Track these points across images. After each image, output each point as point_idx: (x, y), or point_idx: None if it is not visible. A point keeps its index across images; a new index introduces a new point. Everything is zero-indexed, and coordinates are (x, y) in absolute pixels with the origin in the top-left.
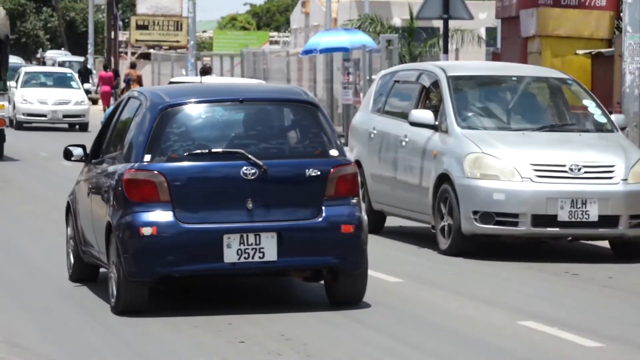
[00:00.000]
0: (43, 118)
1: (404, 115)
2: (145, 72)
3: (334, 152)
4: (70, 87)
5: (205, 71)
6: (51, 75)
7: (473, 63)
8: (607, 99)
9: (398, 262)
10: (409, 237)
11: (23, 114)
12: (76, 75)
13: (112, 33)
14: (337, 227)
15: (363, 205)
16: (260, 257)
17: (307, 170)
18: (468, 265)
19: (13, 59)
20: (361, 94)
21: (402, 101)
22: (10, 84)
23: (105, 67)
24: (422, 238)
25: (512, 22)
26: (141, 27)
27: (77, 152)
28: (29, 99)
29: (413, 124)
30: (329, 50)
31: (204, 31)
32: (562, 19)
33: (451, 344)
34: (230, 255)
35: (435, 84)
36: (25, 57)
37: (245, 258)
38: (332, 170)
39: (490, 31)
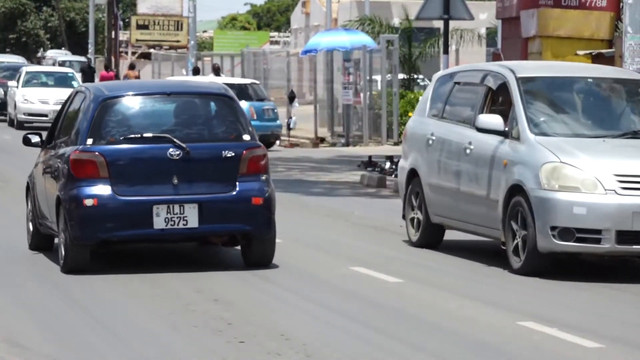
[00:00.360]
0: (44, 118)
1: (467, 121)
2: (146, 72)
3: (246, 137)
4: (72, 86)
5: (216, 71)
6: (52, 75)
7: (542, 63)
8: None
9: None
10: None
11: (24, 114)
12: (78, 75)
13: (113, 33)
14: (249, 199)
15: (272, 181)
16: (184, 225)
17: (223, 152)
18: (467, 265)
19: (14, 59)
20: (361, 94)
21: (465, 105)
22: (11, 83)
23: (107, 67)
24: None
25: (512, 23)
26: (142, 26)
27: (35, 139)
28: (30, 98)
29: (481, 129)
30: (329, 50)
31: (205, 31)
32: (563, 19)
33: (451, 344)
34: (159, 222)
35: (503, 86)
36: (26, 56)
37: (171, 225)
38: (244, 152)
39: (491, 31)
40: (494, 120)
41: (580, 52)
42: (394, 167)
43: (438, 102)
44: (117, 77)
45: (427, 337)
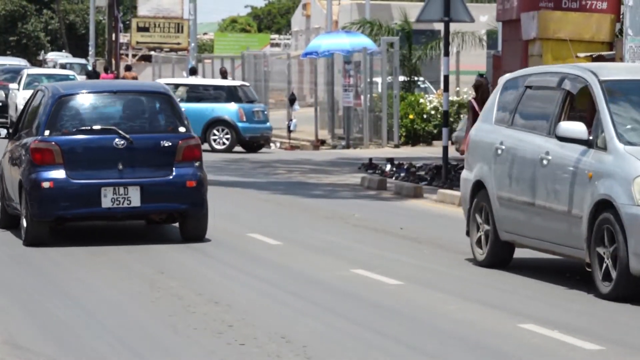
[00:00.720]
0: None
1: (542, 129)
2: (146, 74)
3: (182, 129)
4: None
5: (223, 75)
6: (53, 77)
7: (625, 65)
8: None
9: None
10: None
11: None
12: (82, 78)
13: (113, 35)
14: (184, 182)
15: (204, 167)
16: (128, 204)
17: (162, 142)
18: (467, 267)
19: (17, 61)
20: (362, 97)
21: (539, 111)
22: (12, 86)
23: (106, 69)
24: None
25: (512, 25)
26: (142, 29)
27: (3, 132)
28: None
29: (562, 138)
30: (329, 53)
31: (205, 33)
32: (563, 21)
33: (451, 346)
34: (106, 202)
35: (584, 90)
36: (27, 59)
37: (117, 204)
38: (180, 142)
39: (491, 34)
40: (577, 128)
41: (581, 55)
42: (394, 169)
43: (506, 109)
44: (117, 78)
45: (427, 339)
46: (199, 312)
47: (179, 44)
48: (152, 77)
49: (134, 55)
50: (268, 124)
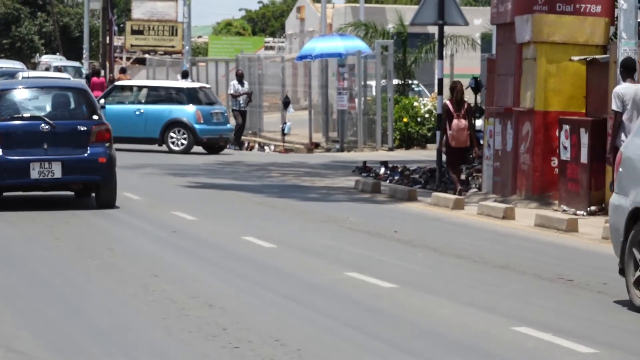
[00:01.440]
0: None
1: None
2: (141, 77)
3: (95, 117)
4: None
5: (239, 78)
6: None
7: None
8: (601, 105)
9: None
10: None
11: None
12: (81, 81)
13: (107, 38)
14: (97, 159)
15: (113, 146)
16: (52, 176)
17: (78, 127)
18: (462, 270)
19: (13, 64)
20: (356, 100)
21: None
22: None
23: (97, 73)
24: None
25: (507, 28)
26: (136, 32)
27: None
28: None
29: None
30: (324, 56)
31: (199, 36)
32: (557, 25)
33: (445, 350)
34: (34, 174)
35: None
36: (21, 61)
37: (43, 176)
38: (93, 127)
39: (485, 37)
40: None
41: (575, 58)
42: (388, 172)
43: None
44: (112, 82)
45: (421, 342)
46: (193, 315)
47: (173, 47)
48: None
49: (128, 58)
50: (228, 125)
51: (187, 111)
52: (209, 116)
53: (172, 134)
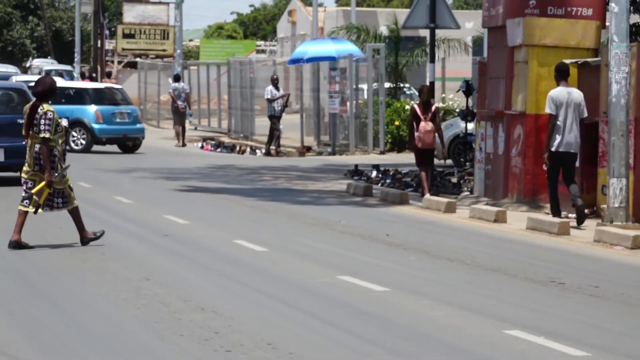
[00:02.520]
0: None
1: None
2: (132, 81)
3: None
4: None
5: (274, 82)
6: None
7: None
8: (593, 108)
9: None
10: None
11: None
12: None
13: (99, 42)
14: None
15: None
16: None
17: (18, 120)
18: (454, 273)
19: (5, 68)
20: (348, 103)
21: None
22: None
23: (82, 75)
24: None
25: (498, 32)
26: (128, 35)
27: None
28: None
29: None
30: (315, 60)
31: (191, 40)
32: (549, 28)
33: (437, 353)
34: None
35: None
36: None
37: None
38: None
39: (477, 40)
40: None
41: (567, 61)
42: (380, 175)
43: None
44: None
45: (413, 346)
46: (185, 318)
47: (164, 50)
48: (137, 84)
49: (119, 62)
50: (138, 125)
51: (88, 111)
52: (110, 116)
53: (73, 133)
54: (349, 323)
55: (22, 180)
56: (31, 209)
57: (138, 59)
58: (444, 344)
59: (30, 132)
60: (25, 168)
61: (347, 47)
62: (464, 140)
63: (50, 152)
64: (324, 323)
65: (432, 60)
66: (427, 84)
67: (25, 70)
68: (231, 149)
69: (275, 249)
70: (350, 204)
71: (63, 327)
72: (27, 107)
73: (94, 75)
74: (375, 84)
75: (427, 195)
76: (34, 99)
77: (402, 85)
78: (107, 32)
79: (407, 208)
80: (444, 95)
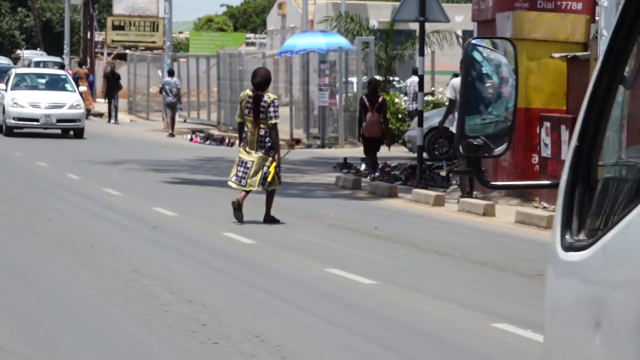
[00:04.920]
0: (35, 123)
1: None
2: (122, 72)
3: None
4: (65, 89)
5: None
6: (44, 77)
7: None
8: (582, 102)
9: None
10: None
11: (14, 119)
12: (71, 78)
13: (89, 33)
14: None
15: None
16: None
17: None
18: (442, 267)
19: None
20: (337, 96)
21: None
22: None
23: (63, 66)
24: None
25: (488, 25)
26: (117, 27)
27: None
28: (20, 102)
29: None
30: (305, 51)
31: (181, 32)
32: (538, 22)
33: (425, 346)
34: None
35: None
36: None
37: None
38: None
39: (467, 34)
40: None
41: (556, 55)
42: (369, 168)
43: None
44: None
45: (402, 339)
46: (173, 311)
47: (154, 42)
48: (127, 75)
49: (109, 54)
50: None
51: None
52: None
53: None
54: (338, 316)
55: (240, 160)
56: (253, 188)
57: (127, 51)
58: (432, 337)
59: (256, 118)
60: (245, 149)
61: (336, 39)
62: (450, 134)
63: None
64: (312, 316)
65: (422, 54)
66: (414, 76)
67: (14, 62)
68: (220, 141)
69: (263, 241)
70: (339, 196)
71: (51, 319)
72: (244, 94)
73: (84, 66)
74: (365, 77)
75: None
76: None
77: (391, 78)
78: (96, 23)
79: (396, 201)
80: (433, 88)
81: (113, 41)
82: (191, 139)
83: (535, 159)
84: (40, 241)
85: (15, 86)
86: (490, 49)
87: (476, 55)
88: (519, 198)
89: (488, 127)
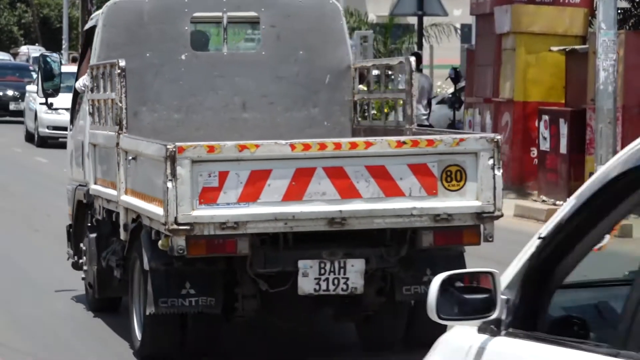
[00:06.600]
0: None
1: None
2: None
3: None
4: None
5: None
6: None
7: None
8: (581, 95)
9: None
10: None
11: (48, 127)
12: None
13: None
14: None
15: None
16: None
17: None
18: None
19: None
20: None
21: None
22: (30, 88)
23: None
24: None
25: (486, 19)
26: None
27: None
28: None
29: None
30: None
31: None
32: (537, 15)
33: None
34: None
35: None
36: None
37: None
38: None
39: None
40: None
41: (554, 48)
42: None
43: None
44: None
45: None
46: None
47: None
48: None
49: None
50: None
51: None
52: None
53: None
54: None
55: None
56: None
57: None
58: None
59: None
60: None
61: None
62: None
63: None
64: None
65: (420, 48)
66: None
67: (13, 57)
68: None
69: None
70: None
71: (49, 314)
72: None
73: None
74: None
75: None
76: None
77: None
78: None
79: None
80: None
81: None
82: None
83: (534, 152)
84: (38, 236)
85: None
86: None
87: None
88: (517, 192)
89: None
